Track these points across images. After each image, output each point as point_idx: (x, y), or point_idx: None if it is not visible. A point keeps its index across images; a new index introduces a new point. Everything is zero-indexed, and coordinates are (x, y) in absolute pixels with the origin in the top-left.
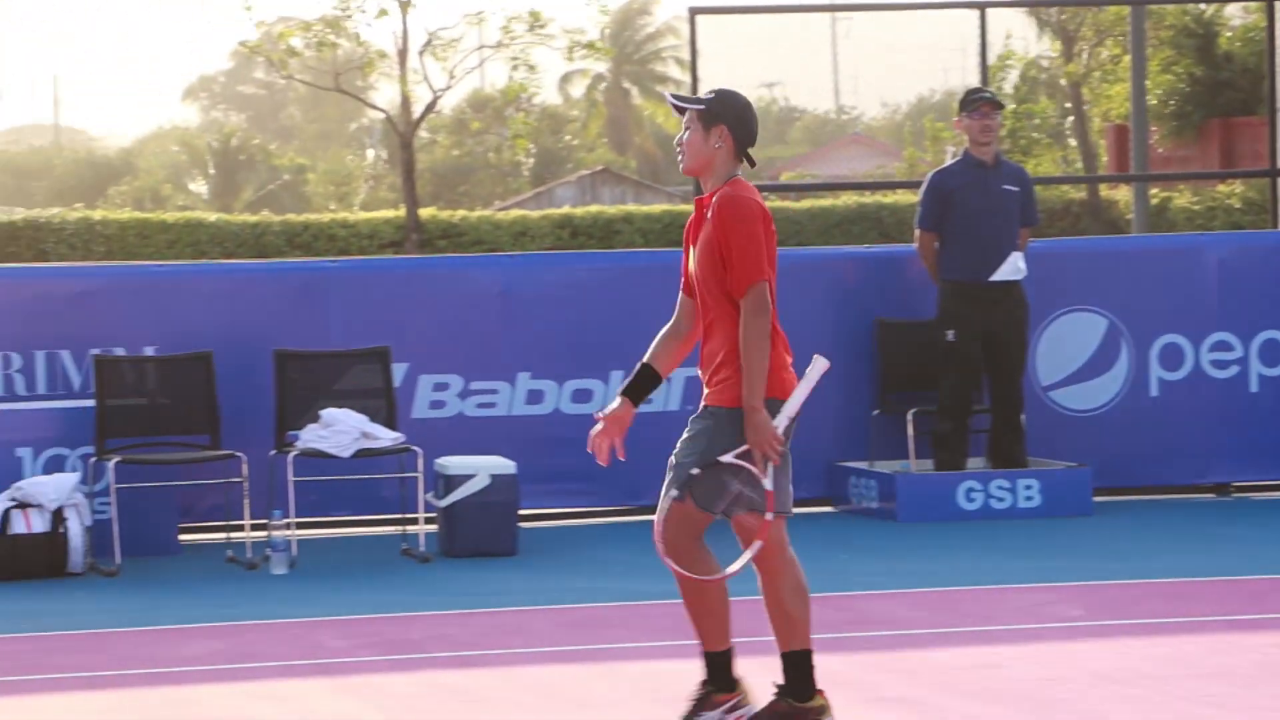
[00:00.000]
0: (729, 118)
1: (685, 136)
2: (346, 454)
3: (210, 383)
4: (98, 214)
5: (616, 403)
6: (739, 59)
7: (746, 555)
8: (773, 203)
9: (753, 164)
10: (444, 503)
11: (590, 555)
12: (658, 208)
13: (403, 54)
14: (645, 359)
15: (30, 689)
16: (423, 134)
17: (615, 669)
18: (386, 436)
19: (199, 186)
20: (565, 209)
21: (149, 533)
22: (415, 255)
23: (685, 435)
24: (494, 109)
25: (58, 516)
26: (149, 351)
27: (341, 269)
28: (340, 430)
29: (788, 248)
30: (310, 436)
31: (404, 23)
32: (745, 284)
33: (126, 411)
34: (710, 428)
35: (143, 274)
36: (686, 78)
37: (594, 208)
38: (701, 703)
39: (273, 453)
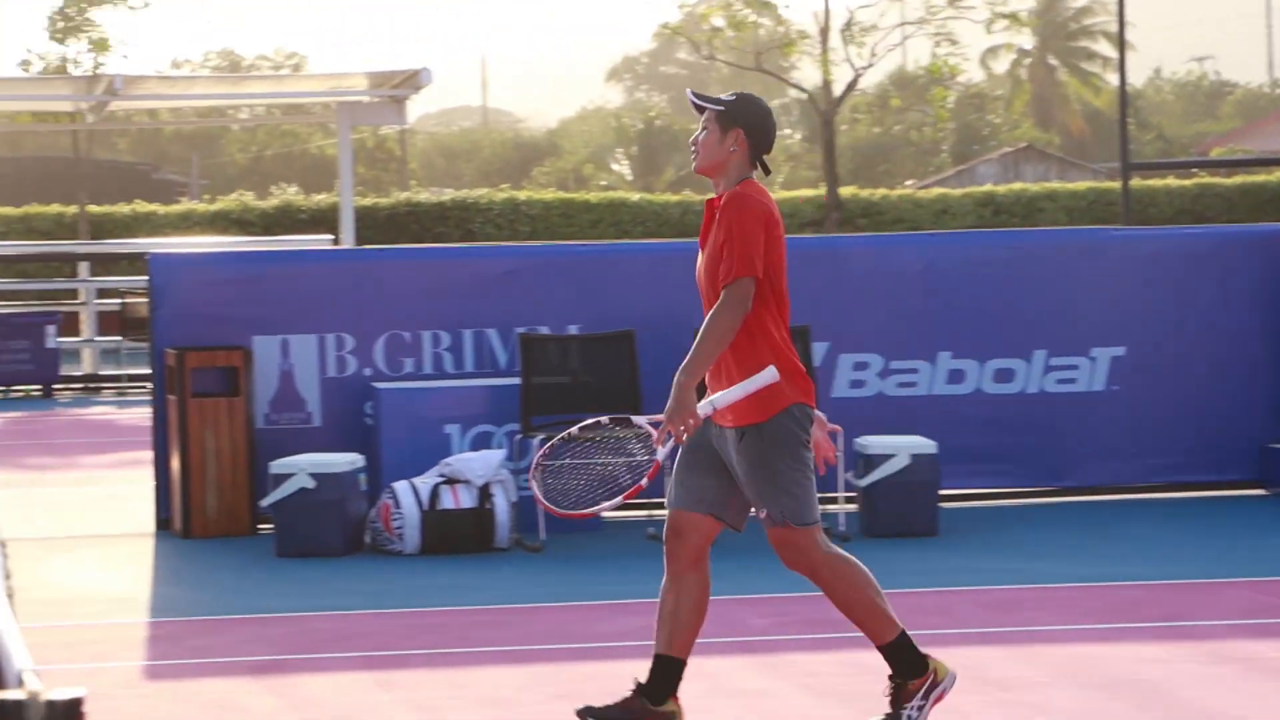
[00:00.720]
0: (747, 122)
1: (701, 136)
2: None
3: (632, 361)
4: (523, 194)
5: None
6: (1168, 34)
7: (611, 503)
8: (1201, 179)
9: (767, 172)
10: (864, 482)
11: (1011, 536)
12: (1082, 185)
13: (824, 33)
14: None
15: (457, 661)
16: (844, 112)
17: (1037, 652)
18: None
19: (621, 166)
20: (987, 187)
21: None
22: (835, 234)
23: (740, 467)
24: (917, 87)
25: (484, 492)
26: (572, 330)
27: None
28: None
29: (1217, 225)
30: None
31: (825, 2)
32: (731, 276)
33: (551, 389)
34: (765, 453)
35: (567, 253)
36: (1115, 54)
37: (1016, 185)
38: (898, 696)
39: None
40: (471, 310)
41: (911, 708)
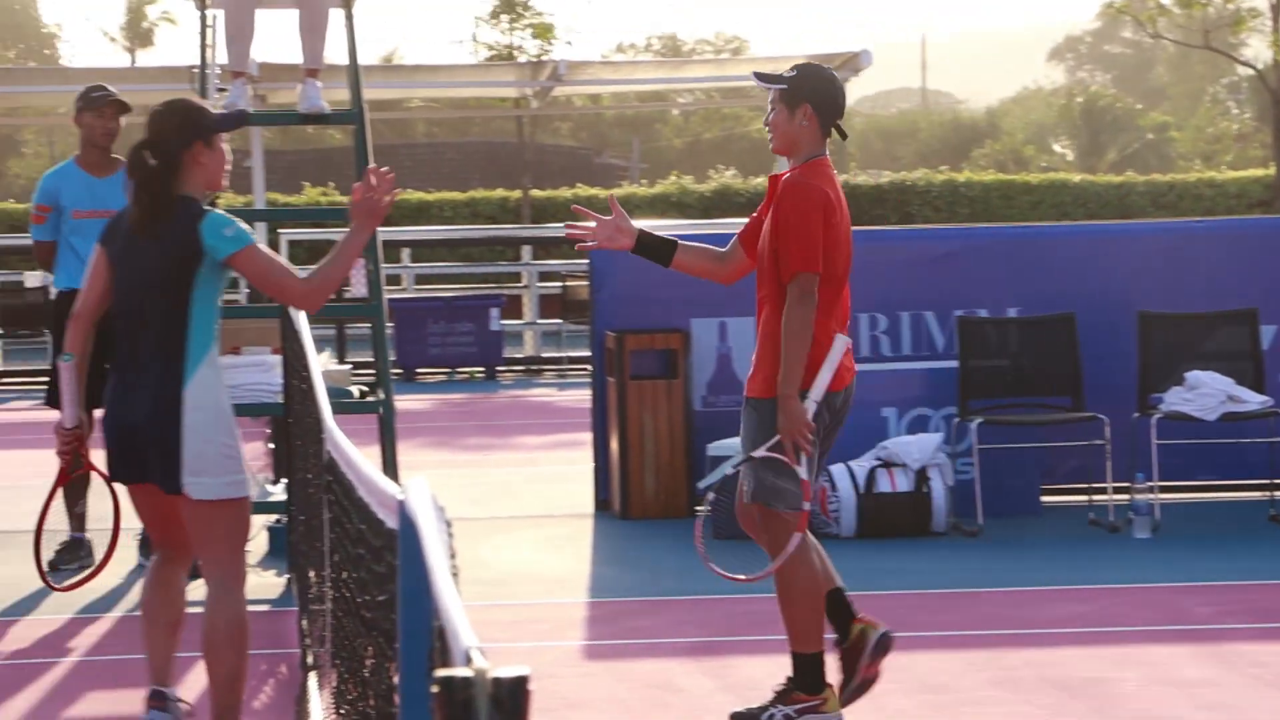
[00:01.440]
0: (813, 95)
1: (770, 116)
2: (1211, 417)
3: (1073, 345)
4: (962, 176)
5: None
6: None
7: (788, 550)
8: None
9: (844, 136)
10: None
11: None
12: None
13: (1275, 9)
14: (682, 243)
15: (895, 645)
16: None
17: None
18: (1253, 400)
19: (1063, 147)
20: None
21: (1011, 494)
22: None
23: (742, 435)
24: None
25: (921, 476)
26: (1011, 313)
27: (1207, 229)
28: (1205, 393)
29: None
30: (1174, 399)
31: None
32: (792, 271)
33: (989, 373)
34: (754, 423)
35: (1006, 235)
36: None
37: None
38: (781, 694)
39: (1135, 415)
40: (909, 293)
41: (780, 710)
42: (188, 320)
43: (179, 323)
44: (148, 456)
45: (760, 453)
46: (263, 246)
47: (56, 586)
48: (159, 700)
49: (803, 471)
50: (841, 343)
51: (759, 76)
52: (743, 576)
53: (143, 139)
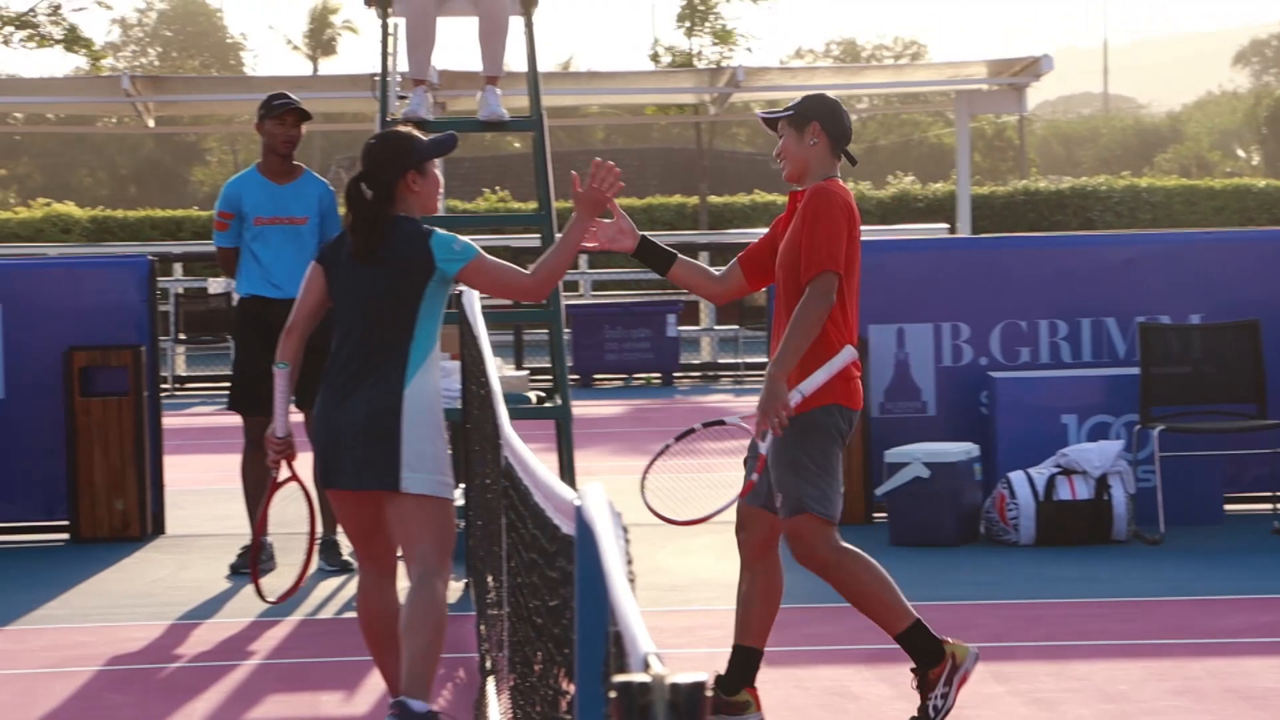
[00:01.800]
0: (820, 115)
1: (780, 145)
2: None
3: (1257, 351)
4: (1144, 181)
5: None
6: None
7: (725, 503)
8: None
9: (854, 161)
10: None
11: None
12: None
13: None
14: (681, 257)
15: (1073, 654)
16: None
17: None
18: None
19: (1248, 152)
20: None
21: (1193, 502)
22: None
23: (771, 452)
24: None
25: (1102, 483)
26: (1194, 319)
27: None
28: None
29: None
30: None
31: None
32: (815, 269)
33: (1170, 379)
34: (794, 441)
35: (1189, 241)
36: None
37: None
38: (923, 685)
39: None
40: (1090, 299)
41: (936, 695)
42: (413, 331)
43: (404, 334)
44: (364, 457)
45: (733, 420)
46: (485, 254)
47: (269, 599)
48: (400, 709)
49: (762, 447)
50: (848, 353)
51: (765, 115)
52: (686, 518)
53: (358, 172)
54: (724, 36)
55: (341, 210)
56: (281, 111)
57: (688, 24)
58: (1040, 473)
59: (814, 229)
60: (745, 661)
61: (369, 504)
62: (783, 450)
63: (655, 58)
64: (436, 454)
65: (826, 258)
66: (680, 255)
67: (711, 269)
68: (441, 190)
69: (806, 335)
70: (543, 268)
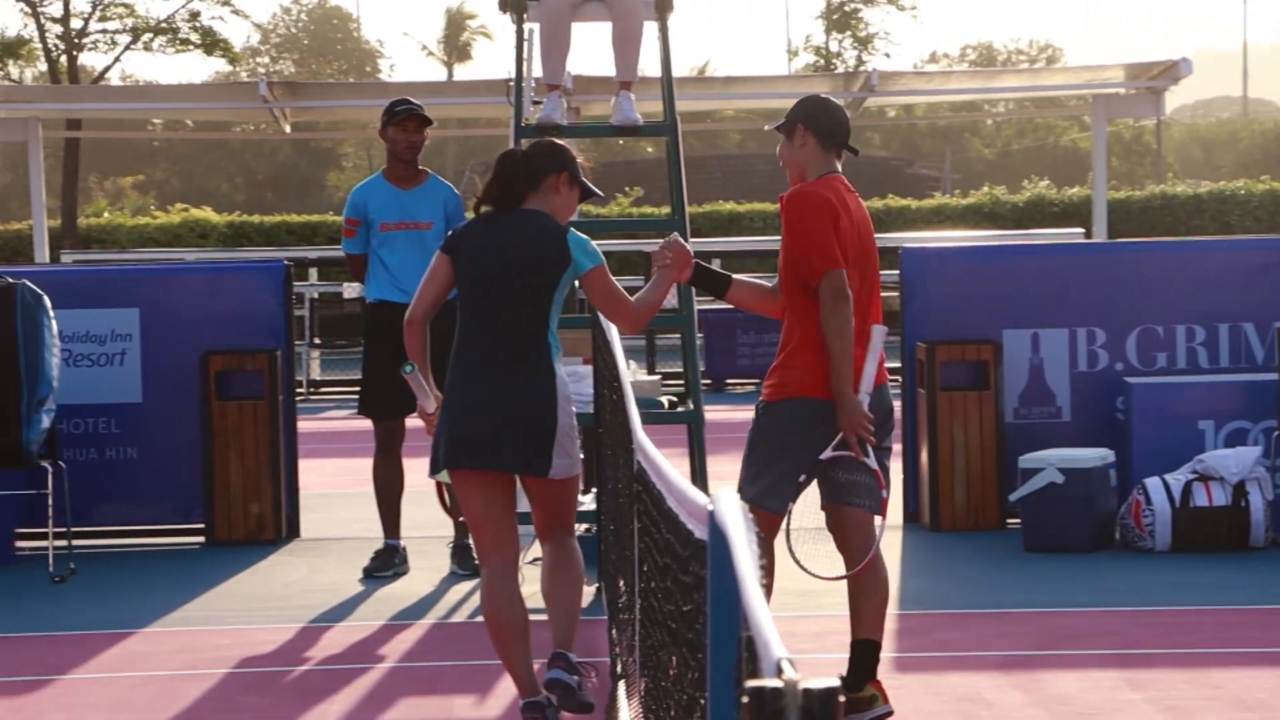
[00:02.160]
0: (806, 116)
1: (778, 152)
2: None
3: None
4: None
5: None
6: None
7: (878, 541)
8: None
9: (855, 153)
10: None
11: None
12: None
13: None
14: (736, 278)
15: (1210, 662)
16: None
17: None
18: None
19: None
20: None
21: None
22: None
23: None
24: None
25: (1239, 490)
26: None
27: None
28: None
29: None
30: None
31: None
32: (819, 271)
33: None
34: (757, 429)
35: None
36: None
37: None
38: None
39: None
40: (1227, 304)
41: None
42: (547, 320)
43: (542, 323)
44: (514, 441)
45: (827, 454)
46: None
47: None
48: (536, 711)
49: (872, 462)
50: (880, 332)
51: (771, 129)
52: (831, 575)
53: (522, 150)
54: (865, 41)
55: (469, 215)
56: (403, 117)
57: (829, 28)
58: (1176, 479)
59: (798, 235)
60: (864, 655)
61: (499, 486)
62: (751, 434)
63: (794, 54)
64: (574, 437)
65: (823, 259)
66: (735, 276)
67: (768, 284)
68: (574, 217)
69: (845, 338)
70: (644, 303)
